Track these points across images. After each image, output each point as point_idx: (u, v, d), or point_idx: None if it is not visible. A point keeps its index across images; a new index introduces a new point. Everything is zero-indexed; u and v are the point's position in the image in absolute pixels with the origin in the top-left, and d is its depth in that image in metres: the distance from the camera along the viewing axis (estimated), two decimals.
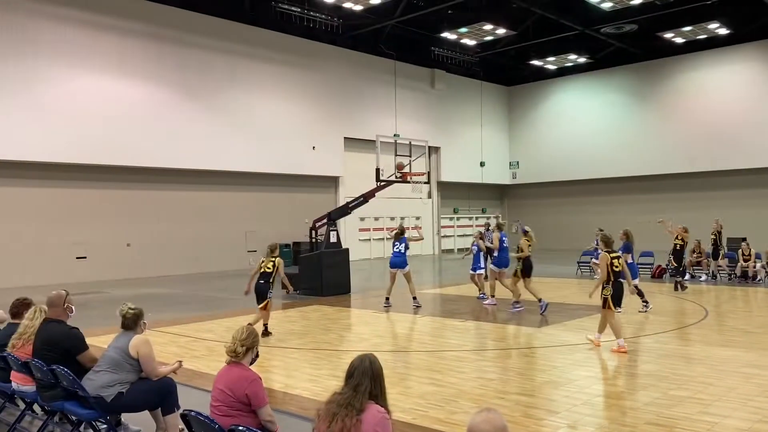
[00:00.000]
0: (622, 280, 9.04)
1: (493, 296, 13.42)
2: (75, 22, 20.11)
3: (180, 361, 5.64)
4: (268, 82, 25.27)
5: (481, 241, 14.60)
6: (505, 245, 13.17)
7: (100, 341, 8.82)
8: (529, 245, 12.39)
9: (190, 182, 23.50)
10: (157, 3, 22.02)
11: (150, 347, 5.27)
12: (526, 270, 12.43)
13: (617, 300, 8.92)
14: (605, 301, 8.87)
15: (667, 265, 17.92)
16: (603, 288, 8.93)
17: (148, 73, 21.77)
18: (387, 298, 13.42)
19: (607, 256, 8.96)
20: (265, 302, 10.11)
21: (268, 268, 10.05)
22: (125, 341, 5.22)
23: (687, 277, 18.29)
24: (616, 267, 8.95)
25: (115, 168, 21.26)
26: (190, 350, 9.46)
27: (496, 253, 13.20)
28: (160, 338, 10.14)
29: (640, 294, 11.80)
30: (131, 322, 5.31)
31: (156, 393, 5.25)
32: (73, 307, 5.79)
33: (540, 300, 12.07)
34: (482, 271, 14.47)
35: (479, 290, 14.54)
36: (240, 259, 24.90)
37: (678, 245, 15.96)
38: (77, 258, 20.67)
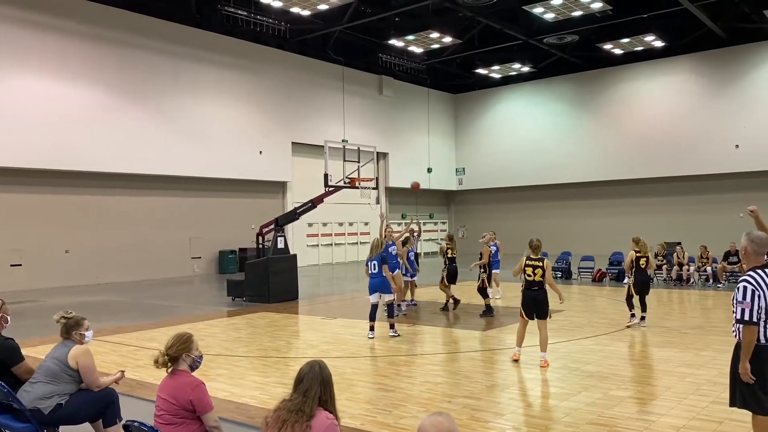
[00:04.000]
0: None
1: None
2: (9, 19, 19.33)
3: (122, 371, 5.50)
4: (215, 85, 24.88)
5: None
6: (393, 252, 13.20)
7: (36, 351, 8.52)
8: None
9: (132, 187, 22.86)
10: (100, 3, 21.40)
11: (90, 357, 5.12)
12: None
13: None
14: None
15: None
16: None
17: (90, 74, 21.08)
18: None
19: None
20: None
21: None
22: (64, 351, 5.06)
23: (625, 280, 18.89)
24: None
25: (52, 172, 20.51)
26: (132, 360, 9.21)
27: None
28: (101, 348, 9.83)
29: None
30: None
31: (97, 404, 5.10)
32: (8, 317, 5.57)
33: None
34: (412, 278, 14.26)
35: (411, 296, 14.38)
36: (184, 266, 24.40)
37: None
38: (11, 265, 19.84)
